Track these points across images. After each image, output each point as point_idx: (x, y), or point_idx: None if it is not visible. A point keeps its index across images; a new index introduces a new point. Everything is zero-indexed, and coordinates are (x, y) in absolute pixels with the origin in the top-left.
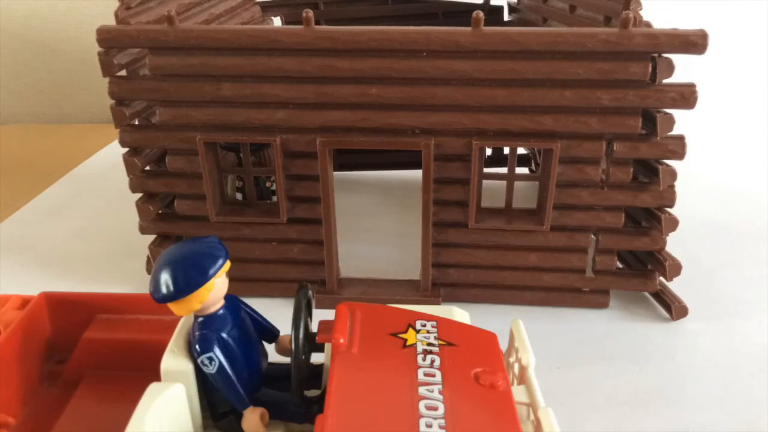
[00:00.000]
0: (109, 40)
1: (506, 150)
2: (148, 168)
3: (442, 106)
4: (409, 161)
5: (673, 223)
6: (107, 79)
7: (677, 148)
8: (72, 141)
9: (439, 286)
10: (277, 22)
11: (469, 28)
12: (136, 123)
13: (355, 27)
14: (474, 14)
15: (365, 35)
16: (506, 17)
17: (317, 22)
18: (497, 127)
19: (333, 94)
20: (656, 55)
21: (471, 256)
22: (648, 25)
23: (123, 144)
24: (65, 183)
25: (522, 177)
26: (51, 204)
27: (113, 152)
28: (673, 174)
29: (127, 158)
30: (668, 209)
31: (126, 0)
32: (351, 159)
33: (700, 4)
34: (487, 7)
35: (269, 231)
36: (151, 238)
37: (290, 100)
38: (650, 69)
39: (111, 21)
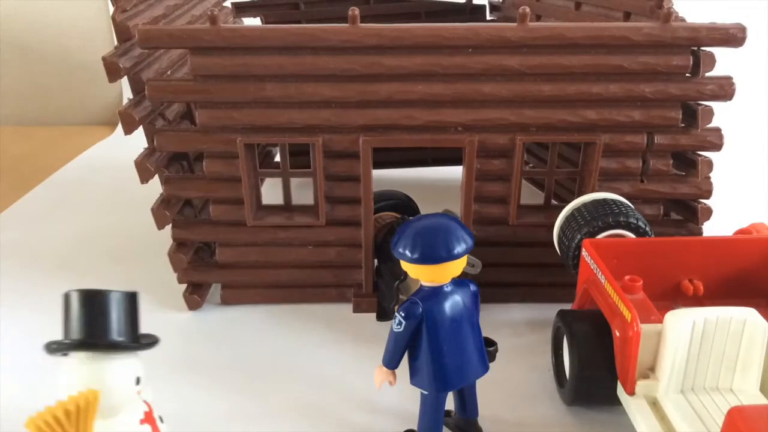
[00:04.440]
0: (150, 40)
1: None
2: (181, 173)
3: (486, 102)
4: (436, 157)
5: (708, 213)
6: (88, 81)
7: (715, 139)
8: (53, 144)
9: (478, 285)
10: (257, 22)
11: (511, 24)
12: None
13: (402, 24)
14: (520, 10)
15: (413, 32)
16: (487, 16)
17: (297, 23)
18: (541, 122)
19: (377, 92)
20: (696, 48)
21: (511, 255)
22: (683, 20)
23: (160, 148)
24: (47, 187)
25: (564, 172)
26: (33, 208)
27: (96, 155)
28: (710, 165)
29: (139, 163)
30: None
31: (121, 4)
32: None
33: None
34: (469, 6)
35: (306, 234)
36: (161, 241)
37: (334, 99)
38: (691, 62)
39: (92, 22)
